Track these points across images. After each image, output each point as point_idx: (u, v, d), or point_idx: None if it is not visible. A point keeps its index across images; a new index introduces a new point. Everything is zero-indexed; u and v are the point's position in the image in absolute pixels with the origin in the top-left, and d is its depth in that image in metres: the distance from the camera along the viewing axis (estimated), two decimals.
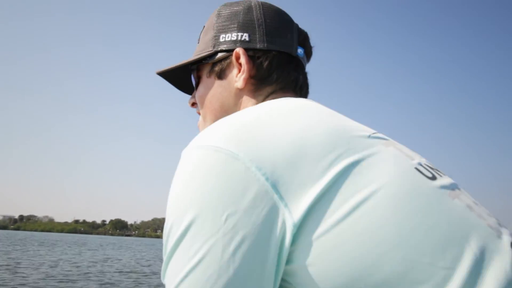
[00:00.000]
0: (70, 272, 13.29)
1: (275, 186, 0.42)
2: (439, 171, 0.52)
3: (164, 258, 0.44)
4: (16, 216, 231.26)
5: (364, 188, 0.43)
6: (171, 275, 0.43)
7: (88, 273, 13.65)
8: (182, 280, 0.41)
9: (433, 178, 0.48)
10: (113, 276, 13.09)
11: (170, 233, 0.44)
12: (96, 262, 18.53)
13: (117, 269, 16.15)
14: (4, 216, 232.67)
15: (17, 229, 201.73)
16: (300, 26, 0.73)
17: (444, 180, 0.49)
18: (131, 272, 15.10)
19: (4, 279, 10.49)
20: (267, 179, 0.42)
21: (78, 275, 12.81)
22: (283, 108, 0.52)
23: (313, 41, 0.74)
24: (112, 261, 20.84)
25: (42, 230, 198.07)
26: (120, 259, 22.71)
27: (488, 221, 0.46)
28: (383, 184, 0.44)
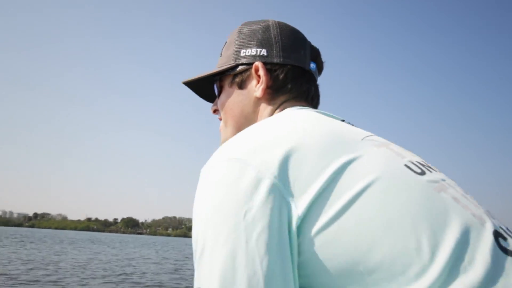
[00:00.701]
0: (106, 273, 12.62)
1: (282, 182, 0.49)
2: (431, 167, 0.59)
3: (195, 262, 0.50)
4: (31, 214, 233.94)
5: (356, 184, 0.50)
6: (203, 274, 0.48)
7: (123, 273, 12.94)
8: (216, 277, 0.46)
9: (422, 173, 0.55)
10: (155, 277, 12.40)
11: (198, 238, 0.50)
12: (131, 260, 17.95)
13: (146, 269, 15.42)
14: (19, 214, 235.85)
15: (32, 226, 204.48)
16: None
17: (434, 175, 0.56)
18: (173, 272, 14.40)
19: (45, 277, 9.87)
20: (275, 177, 0.50)
21: (119, 275, 12.16)
22: (288, 119, 0.62)
23: (325, 55, 0.84)
24: (143, 260, 20.21)
25: (56, 228, 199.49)
26: (150, 258, 22.07)
27: (473, 211, 0.52)
28: (373, 179, 0.50)
